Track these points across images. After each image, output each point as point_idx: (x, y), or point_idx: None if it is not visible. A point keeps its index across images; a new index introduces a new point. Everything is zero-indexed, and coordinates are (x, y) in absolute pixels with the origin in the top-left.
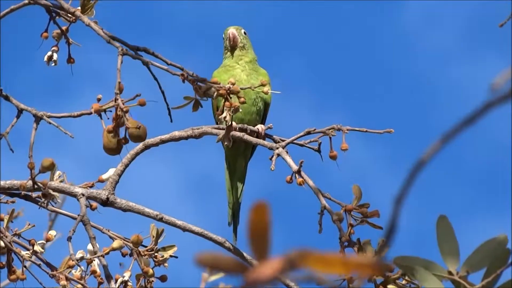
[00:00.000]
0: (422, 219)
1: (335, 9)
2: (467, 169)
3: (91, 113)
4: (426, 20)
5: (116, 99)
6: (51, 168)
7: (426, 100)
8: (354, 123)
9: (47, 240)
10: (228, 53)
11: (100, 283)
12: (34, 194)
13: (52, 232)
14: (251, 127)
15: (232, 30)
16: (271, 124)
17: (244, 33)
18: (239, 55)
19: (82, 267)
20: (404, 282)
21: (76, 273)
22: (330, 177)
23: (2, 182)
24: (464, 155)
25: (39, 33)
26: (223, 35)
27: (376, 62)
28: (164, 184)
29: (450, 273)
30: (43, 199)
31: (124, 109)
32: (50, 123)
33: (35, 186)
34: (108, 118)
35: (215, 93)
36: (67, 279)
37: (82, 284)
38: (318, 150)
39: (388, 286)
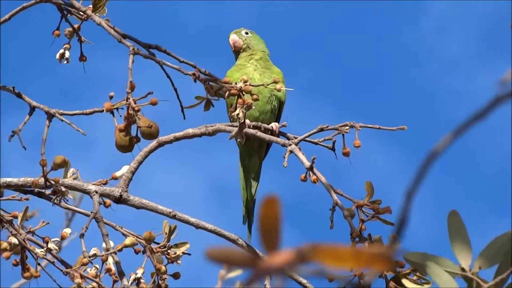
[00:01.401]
0: (437, 222)
1: (351, 17)
2: (479, 170)
3: (103, 111)
4: (441, 29)
5: (127, 98)
6: (63, 165)
7: (442, 108)
8: (370, 130)
9: (62, 238)
10: (240, 53)
11: (115, 281)
12: (48, 191)
13: (67, 230)
14: (265, 125)
15: (231, 37)
16: (285, 122)
17: (246, 33)
18: (247, 55)
19: (97, 266)
20: (415, 277)
21: (91, 271)
22: (346, 177)
23: (16, 179)
24: (477, 156)
25: (51, 31)
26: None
27: (392, 70)
28: (183, 190)
29: (463, 269)
30: (54, 196)
31: (136, 108)
32: (62, 120)
33: (47, 183)
34: (121, 116)
35: (227, 93)
36: (81, 277)
37: (97, 282)
38: (333, 148)
39: (403, 280)
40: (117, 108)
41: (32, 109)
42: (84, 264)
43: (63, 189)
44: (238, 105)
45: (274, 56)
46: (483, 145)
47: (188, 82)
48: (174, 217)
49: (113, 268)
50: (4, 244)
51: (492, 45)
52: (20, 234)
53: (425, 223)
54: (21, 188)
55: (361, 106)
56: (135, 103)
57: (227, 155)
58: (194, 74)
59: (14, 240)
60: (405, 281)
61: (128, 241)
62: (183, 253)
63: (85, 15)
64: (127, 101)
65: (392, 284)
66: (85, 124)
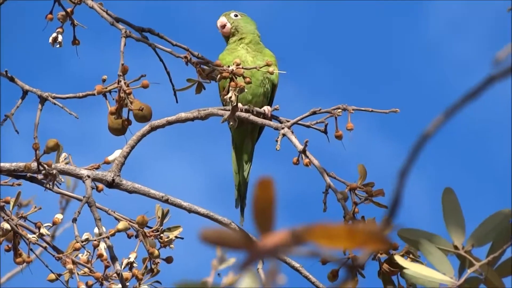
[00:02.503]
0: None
1: (358, 16)
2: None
3: (95, 94)
4: (450, 29)
5: (119, 81)
6: (55, 148)
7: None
8: (376, 132)
9: (54, 223)
10: (229, 38)
11: (106, 267)
12: (40, 176)
13: (59, 216)
14: (258, 109)
15: (219, 19)
16: (278, 106)
17: (235, 15)
18: (236, 39)
19: (89, 251)
20: (408, 260)
21: (83, 256)
22: (341, 161)
23: (8, 164)
24: (481, 136)
25: (44, 16)
26: None
27: (400, 70)
28: (177, 176)
29: (455, 247)
30: (46, 180)
31: (127, 91)
32: (55, 103)
33: (40, 168)
34: (113, 99)
35: (219, 76)
36: (73, 262)
37: (88, 268)
38: (325, 132)
39: (396, 257)
40: (110, 91)
41: (25, 93)
42: (76, 249)
43: (55, 172)
44: (230, 88)
45: (286, 53)
46: (485, 126)
47: (182, 67)
48: (166, 201)
49: (105, 254)
50: None
51: (503, 44)
52: (12, 220)
53: (427, 201)
54: (13, 173)
55: (370, 104)
56: (126, 86)
57: (220, 140)
58: (186, 57)
59: (6, 225)
60: (398, 258)
61: (120, 225)
62: (176, 237)
63: None
64: (118, 84)
65: (385, 266)
66: (93, 121)
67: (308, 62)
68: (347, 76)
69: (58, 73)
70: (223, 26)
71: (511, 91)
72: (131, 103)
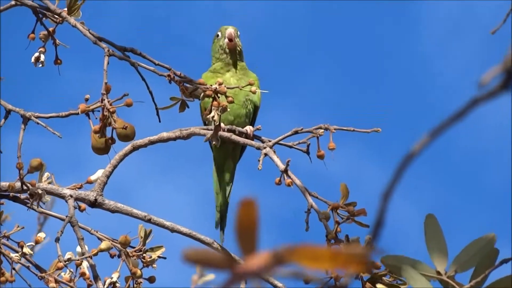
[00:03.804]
0: (413, 219)
1: (352, 26)
2: (455, 168)
3: (78, 114)
4: (445, 37)
5: (102, 100)
6: (39, 168)
7: (446, 112)
8: (371, 143)
9: (36, 242)
10: (222, 55)
11: (89, 285)
12: (23, 196)
13: (41, 234)
14: (240, 129)
15: (232, 31)
16: (260, 126)
17: (239, 35)
18: (232, 60)
19: (72, 270)
20: (391, 278)
21: (65, 275)
22: (326, 180)
23: None
24: (452, 154)
25: (26, 35)
26: (218, 33)
27: (395, 79)
28: (160, 196)
29: (438, 273)
30: (31, 200)
31: (111, 110)
32: (38, 123)
33: (24, 187)
34: (96, 118)
35: (202, 94)
36: (56, 281)
37: (71, 286)
38: (307, 152)
39: (378, 286)
40: (93, 110)
41: (8, 112)
42: (59, 269)
43: (40, 191)
44: (213, 107)
45: (273, 67)
46: (479, 150)
47: (165, 87)
48: (149, 221)
49: (87, 272)
50: None
51: (499, 51)
52: None
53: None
54: None
55: (364, 110)
56: (110, 104)
57: (202, 160)
58: (169, 75)
59: None
60: (380, 286)
61: (103, 245)
62: (159, 257)
63: (60, 18)
64: (102, 102)
65: (368, 285)
66: (77, 141)
67: (300, 73)
68: (338, 87)
69: (46, 93)
70: (234, 41)
71: (511, 118)
72: (115, 121)
